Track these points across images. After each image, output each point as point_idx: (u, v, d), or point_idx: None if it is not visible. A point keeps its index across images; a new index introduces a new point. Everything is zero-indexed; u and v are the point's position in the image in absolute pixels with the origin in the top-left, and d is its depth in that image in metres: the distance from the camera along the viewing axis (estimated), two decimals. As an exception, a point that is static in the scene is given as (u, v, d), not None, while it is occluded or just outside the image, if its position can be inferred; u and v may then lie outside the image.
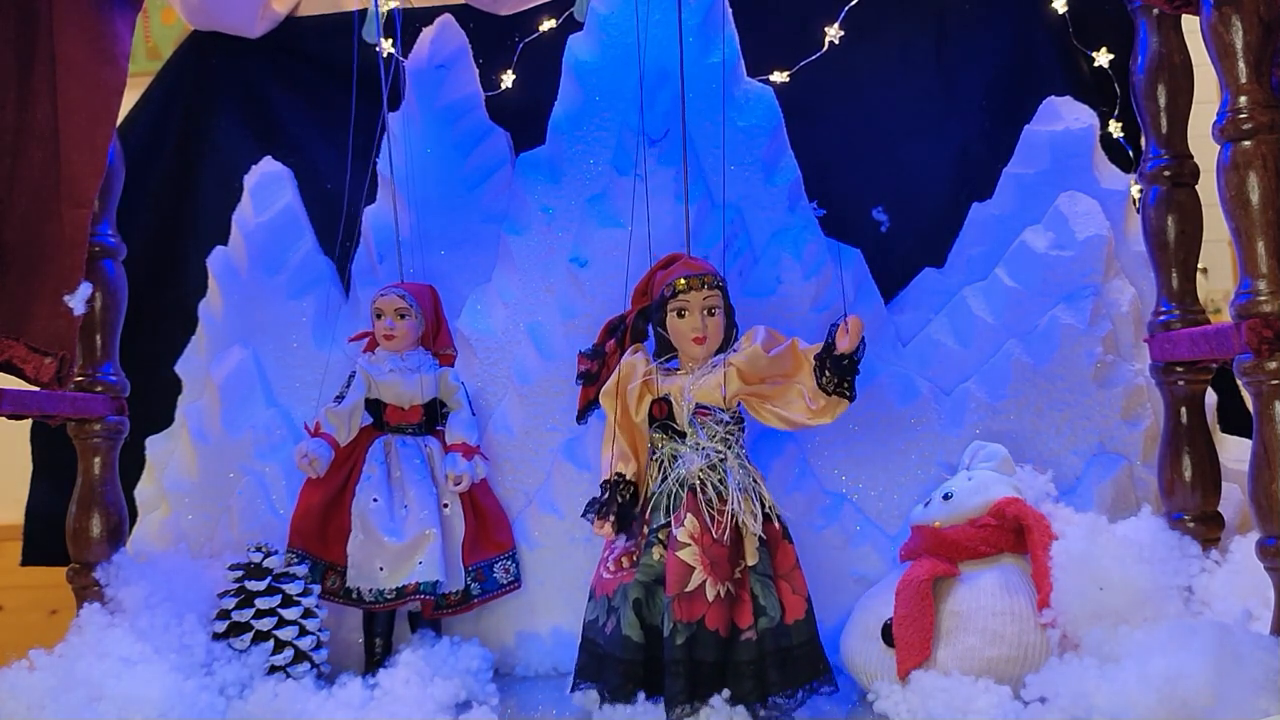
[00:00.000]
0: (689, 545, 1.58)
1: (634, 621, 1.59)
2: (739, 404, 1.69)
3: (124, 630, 1.72)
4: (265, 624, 1.75)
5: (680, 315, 1.68)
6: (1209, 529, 1.76)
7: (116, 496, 1.96)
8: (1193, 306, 1.82)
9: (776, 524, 1.65)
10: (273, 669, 1.74)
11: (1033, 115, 2.09)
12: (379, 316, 1.95)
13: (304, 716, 1.63)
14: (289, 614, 1.77)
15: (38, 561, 2.33)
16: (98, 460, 1.94)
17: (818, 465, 1.97)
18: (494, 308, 2.09)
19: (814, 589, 1.65)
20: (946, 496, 1.73)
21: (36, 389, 1.79)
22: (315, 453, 1.86)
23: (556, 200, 2.08)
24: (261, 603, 1.76)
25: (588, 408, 1.76)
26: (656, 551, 1.61)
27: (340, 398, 1.92)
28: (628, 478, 1.69)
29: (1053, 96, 2.09)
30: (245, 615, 1.75)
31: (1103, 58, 2.17)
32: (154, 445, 2.17)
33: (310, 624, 1.79)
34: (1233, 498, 1.86)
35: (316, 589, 1.83)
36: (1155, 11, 1.81)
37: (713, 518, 1.60)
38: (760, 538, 1.61)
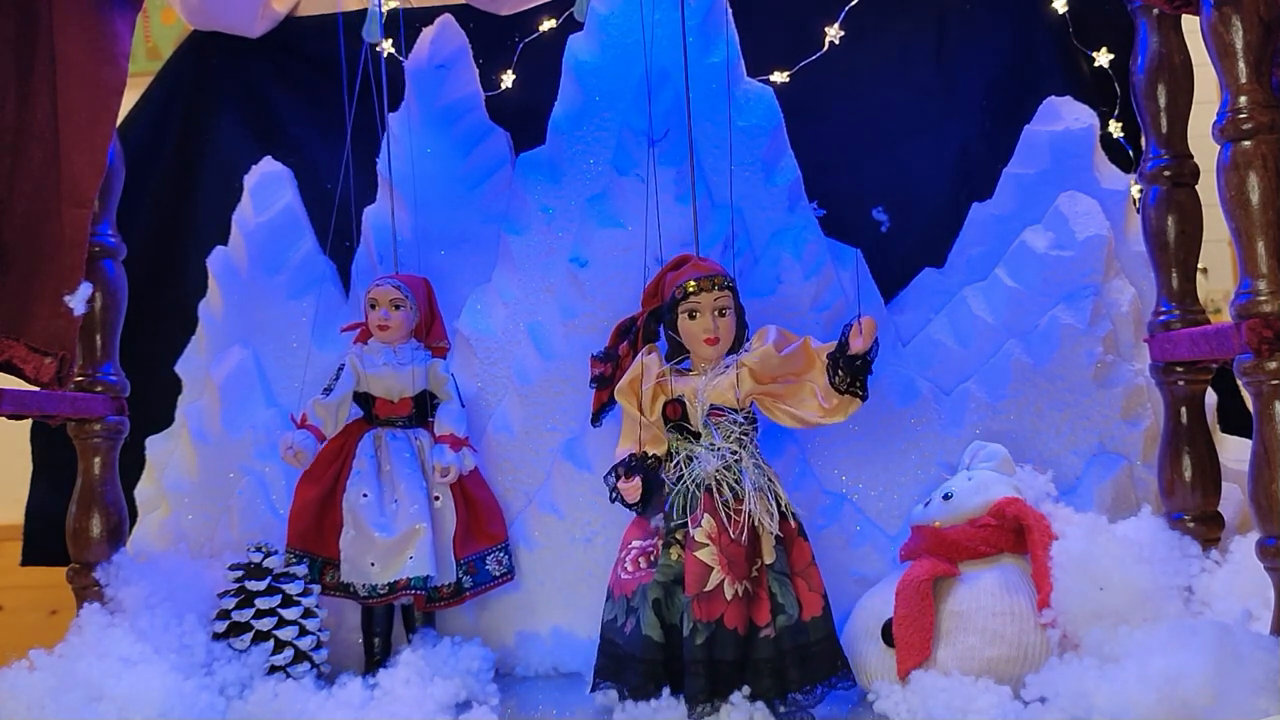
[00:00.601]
0: (706, 545, 1.59)
1: (654, 622, 1.59)
2: (752, 404, 1.69)
3: (124, 630, 1.72)
4: (265, 624, 1.75)
5: (691, 317, 1.68)
6: (1209, 529, 1.76)
7: (116, 496, 1.96)
8: (1193, 306, 1.82)
9: (792, 522, 1.65)
10: (273, 669, 1.74)
11: (1033, 115, 2.09)
12: (373, 306, 1.94)
13: (304, 716, 1.63)
14: (289, 614, 1.77)
15: (38, 561, 2.33)
16: (98, 460, 1.94)
17: (818, 465, 1.97)
18: (494, 308, 2.09)
19: (815, 589, 1.66)
20: (946, 496, 1.73)
21: (36, 389, 1.79)
22: (300, 444, 1.84)
23: (556, 200, 2.09)
24: (261, 603, 1.76)
25: (602, 410, 1.76)
26: (674, 552, 1.62)
27: (328, 390, 1.91)
28: (656, 456, 1.68)
29: (1053, 96, 2.09)
30: (245, 615, 1.76)
31: (1103, 58, 2.17)
32: (154, 445, 2.17)
33: (310, 624, 1.79)
34: (1233, 498, 1.86)
35: (316, 589, 1.83)
36: (1155, 11, 1.81)
37: (729, 517, 1.61)
38: (777, 536, 1.62)
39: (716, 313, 1.68)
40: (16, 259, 1.76)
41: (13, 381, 1.75)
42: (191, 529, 2.06)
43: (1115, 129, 2.16)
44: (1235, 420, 2.04)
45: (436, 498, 1.91)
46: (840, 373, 1.63)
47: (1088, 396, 1.93)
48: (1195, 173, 1.83)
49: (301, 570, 1.82)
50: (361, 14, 2.02)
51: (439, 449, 1.91)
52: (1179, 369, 1.79)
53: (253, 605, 1.76)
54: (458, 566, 1.90)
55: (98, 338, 1.95)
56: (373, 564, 1.85)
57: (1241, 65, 1.50)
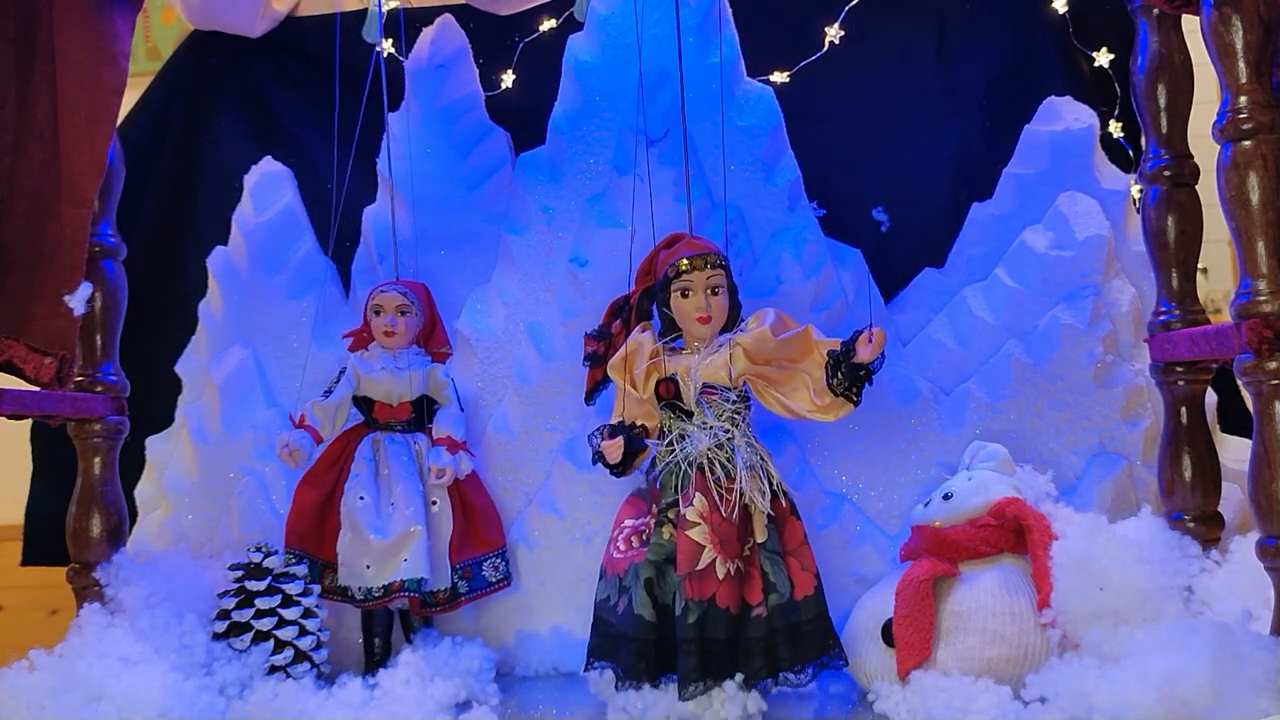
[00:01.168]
0: (698, 524, 1.59)
1: (646, 600, 1.59)
2: (744, 384, 1.69)
3: (124, 630, 1.72)
4: (265, 624, 1.75)
5: (684, 295, 1.68)
6: (1209, 529, 1.76)
7: (116, 496, 1.96)
8: (1193, 306, 1.82)
9: (784, 501, 1.66)
10: (273, 669, 1.74)
11: (1033, 115, 2.09)
12: (378, 313, 1.94)
13: (304, 716, 1.63)
14: (289, 614, 1.77)
15: (38, 561, 2.33)
16: (98, 460, 1.94)
17: (818, 465, 1.97)
18: (494, 308, 2.09)
19: (814, 589, 1.66)
20: (946, 496, 1.73)
21: (36, 389, 1.79)
22: (297, 443, 1.84)
23: (556, 200, 2.09)
24: (261, 603, 1.76)
25: (595, 388, 1.76)
26: (666, 530, 1.62)
27: (328, 392, 1.91)
28: (644, 426, 1.68)
29: (1053, 96, 2.09)
30: (245, 615, 1.75)
31: (1103, 58, 2.17)
32: (154, 445, 2.17)
33: (310, 624, 1.79)
34: (1233, 498, 1.86)
35: (316, 589, 1.83)
36: (1155, 11, 1.81)
37: (721, 496, 1.61)
38: (769, 515, 1.62)
39: (709, 291, 1.68)
40: (16, 259, 1.76)
41: (13, 381, 1.75)
42: (191, 529, 2.06)
43: (1115, 129, 2.16)
44: (1235, 420, 2.04)
45: (434, 502, 1.91)
46: (840, 376, 1.63)
47: (1088, 396, 1.93)
48: (1195, 173, 1.83)
49: (301, 570, 1.82)
50: (361, 14, 2.02)
51: (435, 451, 1.91)
52: (1179, 369, 1.79)
53: (253, 605, 1.76)
54: (454, 572, 1.89)
55: (98, 338, 1.95)
56: (368, 566, 1.85)
57: (1241, 65, 1.50)
